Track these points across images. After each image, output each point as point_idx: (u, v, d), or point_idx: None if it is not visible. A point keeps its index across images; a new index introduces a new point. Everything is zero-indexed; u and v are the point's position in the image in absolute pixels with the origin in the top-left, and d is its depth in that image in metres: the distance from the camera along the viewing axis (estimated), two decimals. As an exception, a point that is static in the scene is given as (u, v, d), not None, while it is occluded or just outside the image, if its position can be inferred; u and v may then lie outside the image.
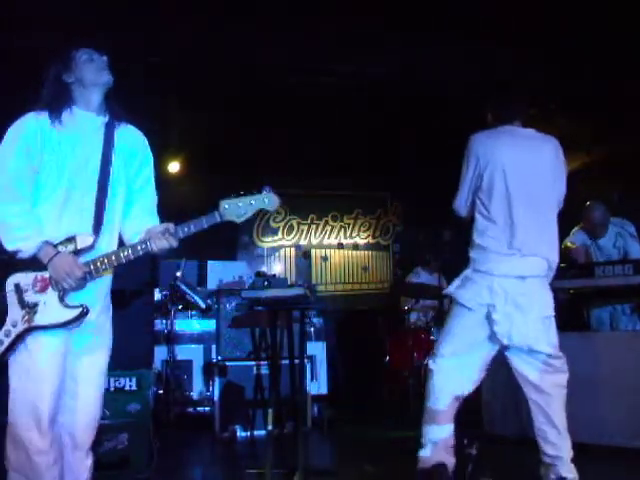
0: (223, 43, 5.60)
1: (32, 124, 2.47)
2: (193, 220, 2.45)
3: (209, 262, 7.02)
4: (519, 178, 3.15)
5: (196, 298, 6.03)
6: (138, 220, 2.63)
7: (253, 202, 2.45)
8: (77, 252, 2.43)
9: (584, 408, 4.25)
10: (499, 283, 3.06)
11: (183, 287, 5.94)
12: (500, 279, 3.06)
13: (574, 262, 5.03)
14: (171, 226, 2.47)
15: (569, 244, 5.24)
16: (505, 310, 3.04)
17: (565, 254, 5.16)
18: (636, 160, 6.66)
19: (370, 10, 5.15)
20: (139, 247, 2.47)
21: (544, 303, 3.12)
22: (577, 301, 5.10)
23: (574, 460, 3.05)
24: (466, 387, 3.15)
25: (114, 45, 5.16)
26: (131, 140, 2.67)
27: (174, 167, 7.87)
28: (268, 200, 2.46)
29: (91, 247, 2.45)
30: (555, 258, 3.19)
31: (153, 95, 6.15)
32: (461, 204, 3.34)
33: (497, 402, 4.65)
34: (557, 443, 3.04)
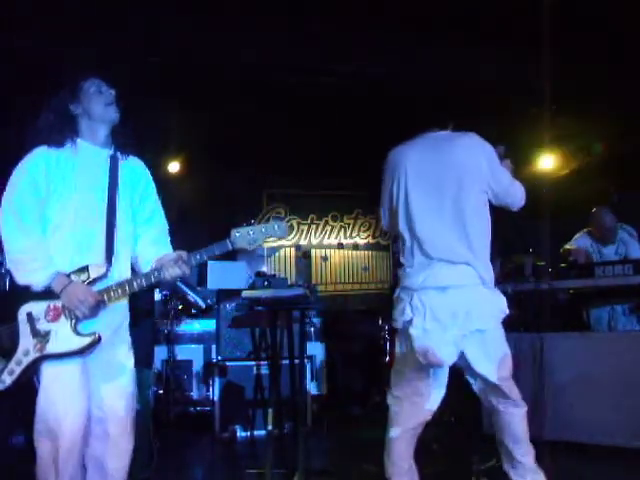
0: (223, 43, 5.60)
1: (38, 158, 2.49)
2: (205, 248, 2.51)
3: (209, 262, 7.03)
4: (422, 187, 2.93)
5: (196, 298, 6.03)
6: (150, 249, 2.67)
7: (264, 230, 2.55)
8: (90, 282, 2.45)
9: (584, 408, 4.25)
10: (418, 297, 2.85)
11: (183, 287, 5.94)
12: (419, 293, 2.85)
13: (574, 262, 5.03)
14: (184, 254, 2.51)
15: (568, 247, 5.24)
16: (424, 326, 2.82)
17: (564, 256, 5.16)
18: (636, 160, 6.66)
19: (370, 10, 5.15)
20: (152, 275, 2.49)
21: (477, 315, 2.79)
22: (577, 301, 5.10)
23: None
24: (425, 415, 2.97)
25: (114, 45, 5.21)
26: (134, 172, 2.71)
27: (174, 167, 7.87)
28: (278, 227, 2.58)
29: (104, 276, 2.48)
30: (482, 263, 2.86)
31: (153, 95, 6.15)
32: (385, 224, 3.20)
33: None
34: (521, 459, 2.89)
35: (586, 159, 7.62)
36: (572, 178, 7.64)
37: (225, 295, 5.59)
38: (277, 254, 9.07)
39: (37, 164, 2.47)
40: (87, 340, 2.42)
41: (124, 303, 2.64)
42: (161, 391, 5.72)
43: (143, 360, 4.01)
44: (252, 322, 5.29)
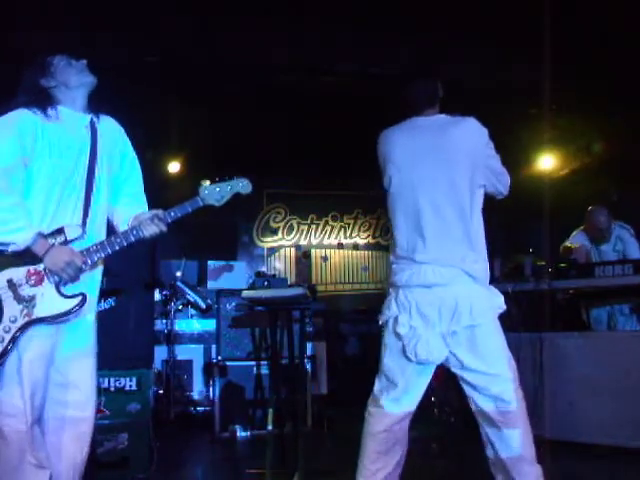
0: (223, 43, 5.60)
1: (26, 117, 2.48)
2: (178, 205, 2.56)
3: (209, 262, 7.03)
4: (413, 173, 2.77)
5: (196, 298, 6.04)
6: (127, 208, 2.69)
7: (229, 187, 2.60)
8: (66, 243, 2.44)
9: (584, 408, 4.26)
10: (404, 293, 2.75)
11: (183, 287, 5.95)
12: (404, 289, 2.75)
13: (574, 262, 5.03)
14: (160, 212, 2.55)
15: (569, 244, 5.24)
16: (410, 323, 2.72)
17: (564, 255, 5.17)
18: (635, 160, 6.66)
19: (370, 10, 5.15)
20: (130, 234, 2.51)
21: (467, 311, 2.66)
22: (577, 301, 5.11)
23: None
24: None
25: (114, 45, 5.21)
26: (112, 133, 2.72)
27: (174, 167, 7.87)
28: (242, 185, 2.62)
29: (80, 237, 2.47)
30: (478, 259, 2.73)
31: (153, 94, 6.15)
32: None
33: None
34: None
35: (586, 159, 7.62)
36: (572, 178, 7.65)
37: (225, 295, 5.58)
38: (277, 254, 9.07)
39: (25, 124, 2.46)
40: (75, 301, 2.41)
41: (99, 272, 2.63)
42: (161, 391, 5.72)
43: (143, 360, 4.02)
44: (252, 322, 5.29)
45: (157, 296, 5.87)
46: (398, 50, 5.70)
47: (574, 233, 5.35)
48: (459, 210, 2.73)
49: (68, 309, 2.41)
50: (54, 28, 4.85)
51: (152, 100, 6.21)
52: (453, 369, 2.75)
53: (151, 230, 2.51)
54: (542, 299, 4.57)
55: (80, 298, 2.42)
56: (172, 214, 2.54)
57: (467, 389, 2.75)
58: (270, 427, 4.06)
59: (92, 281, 2.58)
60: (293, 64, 6.04)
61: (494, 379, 2.68)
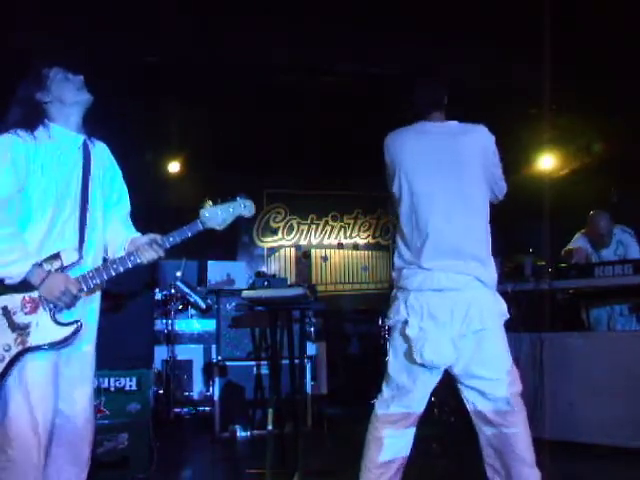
0: (223, 43, 5.60)
1: (17, 143, 2.42)
2: (177, 230, 2.50)
3: (209, 262, 7.03)
4: (426, 182, 2.78)
5: (196, 298, 6.04)
6: (118, 231, 2.67)
7: (232, 209, 2.54)
8: (63, 269, 2.41)
9: (584, 408, 4.26)
10: (415, 297, 2.74)
11: (183, 287, 5.95)
12: (415, 293, 2.74)
13: (575, 262, 5.03)
14: (158, 237, 2.51)
15: (570, 247, 5.24)
16: (420, 325, 2.70)
17: (566, 258, 5.17)
18: (635, 160, 6.66)
19: (370, 11, 5.15)
20: (128, 259, 2.48)
21: (477, 315, 2.67)
22: (577, 301, 5.10)
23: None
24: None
25: (114, 45, 5.21)
26: (103, 156, 2.69)
27: (174, 167, 7.87)
28: (245, 206, 2.56)
29: (76, 263, 2.44)
30: (487, 265, 2.75)
31: (153, 95, 6.15)
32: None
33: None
34: None
35: (586, 159, 7.62)
36: (572, 178, 7.65)
37: (225, 295, 5.59)
38: (277, 254, 9.08)
39: (17, 151, 2.41)
40: (70, 329, 2.39)
41: (97, 299, 2.61)
42: (161, 391, 5.72)
43: (143, 360, 4.02)
44: (252, 322, 5.29)
45: (157, 296, 5.87)
46: (398, 50, 5.70)
47: (576, 236, 5.34)
48: (471, 218, 2.77)
49: (63, 337, 2.38)
50: (54, 28, 4.85)
51: (152, 100, 6.22)
52: (456, 373, 2.74)
53: (149, 256, 2.48)
54: (542, 299, 4.56)
55: (75, 326, 2.40)
56: (171, 239, 2.50)
57: (468, 392, 2.75)
58: (270, 427, 4.06)
59: (89, 308, 2.55)
60: (293, 64, 6.04)
61: (496, 384, 2.69)
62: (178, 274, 5.95)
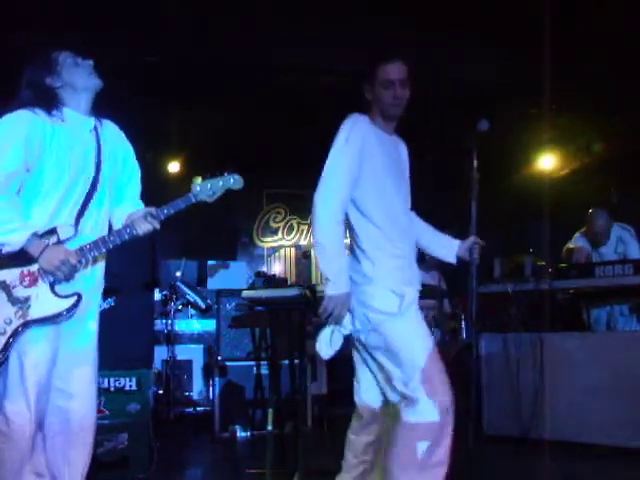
0: (223, 43, 5.60)
1: (34, 121, 2.45)
2: (171, 203, 2.56)
3: (209, 262, 7.03)
4: (392, 179, 2.79)
5: (196, 298, 6.03)
6: (126, 210, 2.69)
7: (221, 183, 2.62)
8: (59, 243, 2.43)
9: (584, 408, 4.26)
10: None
11: (183, 287, 5.95)
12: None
13: (575, 262, 5.03)
14: (153, 209, 2.55)
15: (571, 246, 5.24)
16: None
17: (567, 258, 5.17)
18: (635, 160, 6.67)
19: (370, 11, 5.15)
20: (124, 232, 2.51)
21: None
22: (577, 301, 5.10)
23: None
24: None
25: (114, 45, 5.21)
26: (113, 138, 2.71)
27: (174, 167, 7.87)
28: (233, 180, 2.65)
29: (72, 237, 2.46)
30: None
31: (153, 95, 6.15)
32: (341, 200, 2.86)
33: (497, 402, 4.65)
34: None
35: (586, 159, 7.62)
36: (572, 178, 7.65)
37: (225, 295, 5.58)
38: (277, 254, 9.08)
39: (33, 129, 2.43)
40: (70, 301, 2.40)
41: (99, 275, 2.62)
42: (161, 391, 5.72)
43: (143, 360, 4.02)
44: (252, 322, 5.29)
45: (157, 296, 5.87)
46: (398, 50, 5.70)
47: (575, 235, 5.34)
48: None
49: (63, 309, 2.40)
50: (54, 28, 4.85)
51: (152, 100, 6.22)
52: None
53: (144, 228, 2.52)
54: (542, 299, 4.57)
55: (75, 298, 2.41)
56: (165, 211, 2.55)
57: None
58: (270, 427, 4.06)
59: (90, 285, 2.56)
60: (293, 64, 6.04)
61: None
62: (178, 274, 5.95)
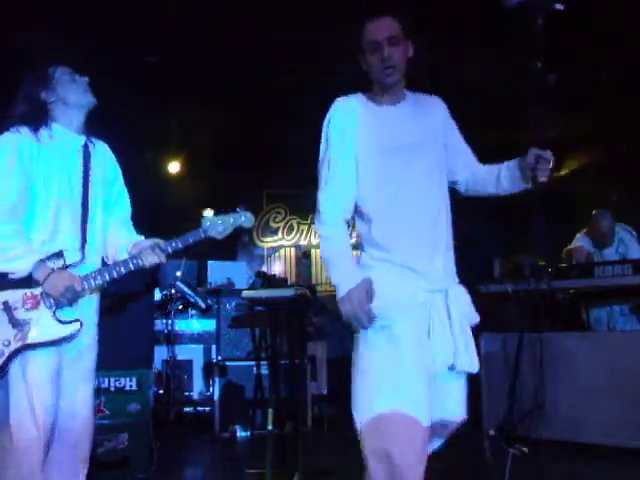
0: (223, 43, 5.60)
1: (22, 142, 2.44)
2: (180, 236, 2.56)
3: (209, 262, 7.03)
4: None
5: (196, 298, 6.03)
6: (119, 233, 2.69)
7: (232, 220, 2.62)
8: (65, 267, 2.43)
9: (584, 408, 4.26)
10: None
11: (183, 287, 5.95)
12: None
13: (575, 263, 5.03)
14: (161, 242, 2.54)
15: (571, 247, 5.24)
16: None
17: (567, 258, 5.17)
18: (636, 160, 6.66)
19: (371, 10, 5.14)
20: (131, 263, 2.51)
21: None
22: (577, 301, 5.10)
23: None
24: None
25: (114, 45, 5.22)
26: (104, 157, 2.71)
27: (174, 167, 7.88)
28: (245, 218, 2.64)
29: (79, 262, 2.46)
30: None
31: (153, 95, 6.15)
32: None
33: (497, 402, 4.65)
34: None
35: (586, 159, 7.62)
36: (572, 178, 7.65)
37: (225, 295, 5.59)
38: (277, 254, 9.08)
39: (22, 149, 2.43)
40: (70, 328, 2.40)
41: (98, 297, 2.62)
42: (161, 391, 5.72)
43: (143, 360, 4.02)
44: (252, 322, 5.29)
45: (157, 296, 5.87)
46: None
47: (577, 236, 5.34)
48: None
49: (63, 335, 2.39)
50: (54, 28, 4.86)
51: (152, 100, 6.22)
52: None
53: (151, 260, 2.51)
54: (542, 299, 4.57)
55: (76, 325, 2.41)
56: (173, 245, 2.54)
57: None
58: (270, 427, 4.06)
59: (89, 307, 2.56)
60: (293, 64, 6.04)
61: None
62: (178, 274, 5.95)
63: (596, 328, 5.06)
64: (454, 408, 2.30)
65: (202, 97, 6.36)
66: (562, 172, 7.79)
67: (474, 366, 2.30)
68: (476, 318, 2.36)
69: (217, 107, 6.50)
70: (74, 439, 2.52)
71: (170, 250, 2.54)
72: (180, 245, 2.54)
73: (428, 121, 2.41)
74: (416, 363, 2.15)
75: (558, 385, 4.40)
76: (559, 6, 2.37)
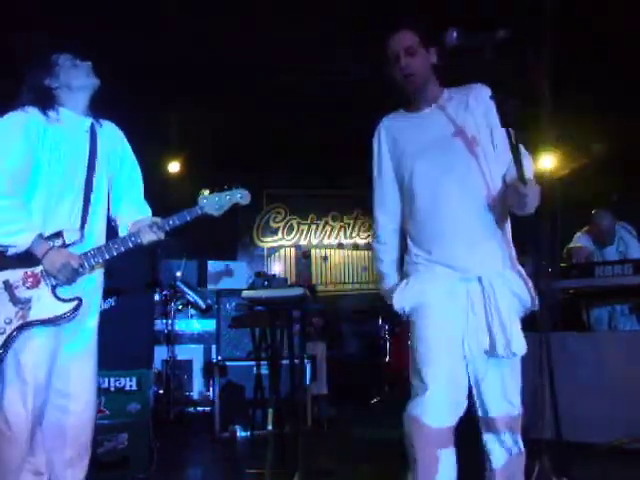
0: (223, 43, 5.60)
1: (31, 118, 2.48)
2: (177, 214, 2.59)
3: (209, 262, 7.04)
4: None
5: (196, 298, 6.04)
6: (130, 212, 2.70)
7: (228, 197, 2.64)
8: (64, 247, 2.44)
9: (584, 408, 4.25)
10: None
11: (183, 287, 5.95)
12: None
13: (575, 262, 5.03)
14: (159, 220, 2.58)
15: (572, 246, 5.24)
16: None
17: (567, 257, 5.17)
18: (635, 160, 6.67)
19: (371, 10, 5.15)
20: (129, 240, 2.53)
21: None
22: (577, 301, 5.10)
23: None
24: None
25: (114, 45, 5.21)
26: (111, 138, 2.73)
27: (174, 167, 7.88)
28: (241, 195, 2.65)
29: (78, 242, 2.48)
30: None
31: (153, 95, 6.15)
32: None
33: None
34: None
35: (586, 159, 7.62)
36: (572, 178, 7.65)
37: (225, 295, 5.59)
38: (277, 254, 9.08)
39: (31, 125, 2.46)
40: (70, 305, 2.42)
41: (99, 276, 2.64)
42: (161, 391, 5.72)
43: (143, 360, 4.02)
44: (252, 322, 5.29)
45: (157, 296, 5.87)
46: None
47: (578, 235, 5.34)
48: None
49: (63, 313, 2.41)
50: (54, 28, 4.85)
51: (152, 100, 6.22)
52: None
53: (149, 237, 2.53)
54: (542, 299, 4.56)
55: (76, 302, 2.43)
56: (171, 222, 2.57)
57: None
58: (270, 427, 4.06)
59: (91, 285, 2.58)
60: (293, 64, 6.04)
61: None
62: (178, 274, 5.95)
63: (597, 328, 5.06)
64: (492, 400, 2.51)
65: (202, 97, 6.36)
66: (562, 172, 7.80)
67: (511, 350, 2.40)
68: (527, 303, 2.59)
69: (217, 107, 6.50)
70: (69, 419, 2.52)
71: (167, 228, 2.57)
72: (177, 222, 2.57)
73: (461, 113, 2.54)
74: (444, 350, 2.38)
75: (558, 385, 4.39)
76: (503, 34, 2.46)
